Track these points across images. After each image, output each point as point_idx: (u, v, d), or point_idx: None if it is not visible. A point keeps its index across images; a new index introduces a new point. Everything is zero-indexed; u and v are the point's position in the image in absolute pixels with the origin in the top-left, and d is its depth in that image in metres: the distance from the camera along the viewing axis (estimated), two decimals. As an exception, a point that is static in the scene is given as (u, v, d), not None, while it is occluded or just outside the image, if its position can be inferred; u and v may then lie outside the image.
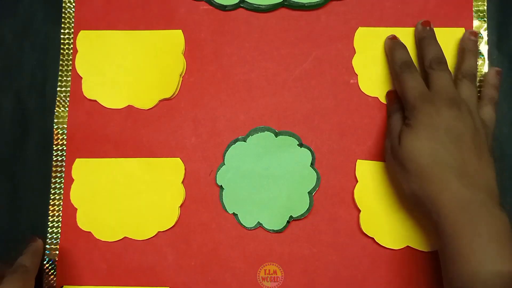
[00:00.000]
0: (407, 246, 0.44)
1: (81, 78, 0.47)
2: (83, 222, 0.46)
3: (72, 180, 0.46)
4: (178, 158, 0.46)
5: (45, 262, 0.46)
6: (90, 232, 0.46)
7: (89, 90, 0.47)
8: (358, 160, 0.45)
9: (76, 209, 0.46)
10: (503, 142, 0.46)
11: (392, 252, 0.44)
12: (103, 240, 0.46)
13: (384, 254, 0.44)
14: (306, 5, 0.47)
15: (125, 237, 0.45)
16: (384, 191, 0.45)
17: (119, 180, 0.46)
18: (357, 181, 0.45)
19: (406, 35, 0.46)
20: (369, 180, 0.45)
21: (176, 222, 0.45)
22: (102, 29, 0.47)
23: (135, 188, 0.46)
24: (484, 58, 0.46)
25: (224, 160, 0.46)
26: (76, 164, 0.46)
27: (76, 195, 0.46)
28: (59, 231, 0.46)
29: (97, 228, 0.46)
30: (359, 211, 0.45)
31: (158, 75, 0.46)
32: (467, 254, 0.34)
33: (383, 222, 0.44)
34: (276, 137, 0.46)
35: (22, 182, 0.47)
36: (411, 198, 0.39)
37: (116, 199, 0.46)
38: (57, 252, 0.46)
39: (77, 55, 0.47)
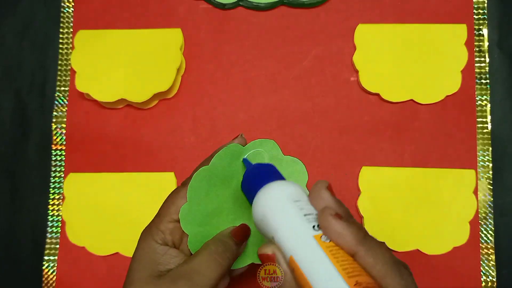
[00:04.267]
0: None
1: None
2: (75, 237, 0.45)
3: (64, 196, 0.46)
4: (172, 173, 0.46)
5: (44, 262, 0.46)
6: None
7: (81, 83, 0.46)
8: (362, 167, 0.45)
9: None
10: (504, 141, 0.46)
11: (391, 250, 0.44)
12: (96, 254, 0.45)
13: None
14: (305, 2, 0.47)
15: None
16: (387, 196, 0.44)
17: (111, 195, 0.45)
18: (359, 187, 0.45)
19: (407, 32, 0.46)
20: (372, 186, 0.45)
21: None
22: (101, 29, 0.47)
23: (127, 203, 0.45)
24: (485, 56, 0.46)
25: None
26: (68, 179, 0.46)
27: (67, 211, 0.46)
28: (59, 231, 0.46)
29: (90, 244, 0.45)
30: (362, 216, 0.44)
31: (154, 69, 0.46)
32: None
33: (388, 227, 0.44)
34: None
35: (22, 181, 0.47)
36: None
37: (108, 214, 0.45)
38: (57, 252, 0.46)
39: (74, 52, 0.47)
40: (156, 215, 0.34)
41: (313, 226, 0.26)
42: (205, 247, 0.32)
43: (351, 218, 0.27)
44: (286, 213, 0.27)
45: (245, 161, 0.34)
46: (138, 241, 0.33)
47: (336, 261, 0.24)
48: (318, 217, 0.26)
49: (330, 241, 0.25)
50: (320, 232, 0.25)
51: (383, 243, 0.26)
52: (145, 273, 0.31)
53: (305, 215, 0.26)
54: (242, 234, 0.34)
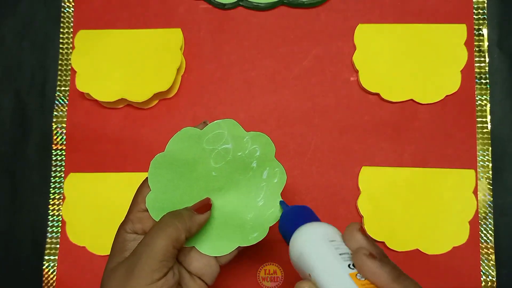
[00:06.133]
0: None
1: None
2: (75, 237, 0.45)
3: (65, 196, 0.46)
4: None
5: (44, 262, 0.46)
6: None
7: (82, 83, 0.46)
8: (362, 167, 0.45)
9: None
10: (503, 141, 0.46)
11: (393, 251, 0.44)
12: (97, 254, 0.45)
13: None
14: (305, 2, 0.47)
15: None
16: (387, 196, 0.44)
17: (111, 195, 0.45)
18: (359, 187, 0.45)
19: (407, 32, 0.46)
20: (372, 186, 0.45)
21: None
22: (101, 29, 0.47)
23: (127, 203, 0.45)
24: (485, 56, 0.46)
25: None
26: (68, 179, 0.46)
27: (67, 211, 0.46)
28: (59, 231, 0.46)
29: (91, 243, 0.45)
30: (362, 216, 0.44)
31: (154, 69, 0.46)
32: None
33: (388, 227, 0.44)
34: None
35: (22, 181, 0.47)
36: None
37: (108, 214, 0.45)
38: (57, 252, 0.46)
39: (74, 51, 0.47)
40: (129, 208, 0.35)
41: (348, 265, 0.27)
42: (156, 221, 0.33)
43: (385, 257, 0.28)
44: (322, 252, 0.28)
45: (281, 203, 0.35)
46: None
47: None
48: (352, 256, 0.27)
49: (365, 279, 0.26)
50: (355, 271, 0.27)
51: (418, 284, 0.27)
52: (114, 261, 0.32)
53: (340, 254, 0.28)
54: (199, 204, 0.34)
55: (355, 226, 0.29)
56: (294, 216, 0.33)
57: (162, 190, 0.34)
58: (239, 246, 0.35)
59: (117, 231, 0.34)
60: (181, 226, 0.32)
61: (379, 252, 0.28)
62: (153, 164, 0.34)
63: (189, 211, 0.33)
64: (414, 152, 0.45)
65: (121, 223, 0.34)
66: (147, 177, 0.35)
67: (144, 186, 0.35)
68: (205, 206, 0.35)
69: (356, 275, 0.26)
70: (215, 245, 0.35)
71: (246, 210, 0.36)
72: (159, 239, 0.31)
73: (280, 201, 0.35)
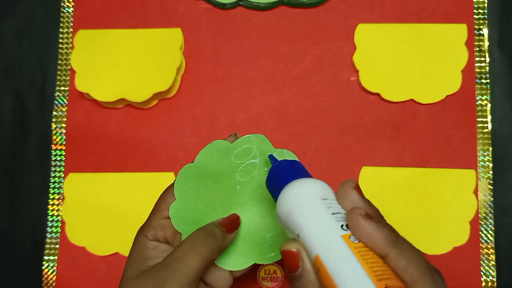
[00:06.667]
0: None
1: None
2: (75, 237, 0.45)
3: (64, 196, 0.46)
4: (172, 173, 0.46)
5: (44, 262, 0.46)
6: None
7: (81, 83, 0.46)
8: (362, 167, 0.45)
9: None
10: (504, 141, 0.46)
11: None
12: (96, 254, 0.45)
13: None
14: (305, 2, 0.47)
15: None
16: (387, 196, 0.44)
17: (111, 195, 0.45)
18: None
19: (407, 32, 0.46)
20: (372, 186, 0.44)
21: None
22: (101, 28, 0.47)
23: (127, 203, 0.45)
24: (485, 56, 0.46)
25: None
26: (67, 179, 0.46)
27: (67, 211, 0.46)
28: (59, 231, 0.46)
29: (90, 244, 0.45)
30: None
31: (154, 69, 0.46)
32: None
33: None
34: None
35: (22, 181, 0.47)
36: None
37: (108, 214, 0.45)
38: (57, 252, 0.46)
39: (73, 51, 0.47)
40: (150, 213, 0.34)
41: (341, 226, 0.24)
42: (189, 236, 0.32)
43: (381, 219, 0.25)
44: (313, 210, 0.25)
45: (270, 157, 0.33)
46: (134, 239, 0.34)
47: (365, 262, 0.23)
48: (347, 216, 0.25)
49: (359, 241, 0.24)
50: (348, 232, 0.24)
51: (416, 248, 0.24)
52: (135, 268, 0.31)
53: (333, 213, 0.25)
54: (229, 223, 0.34)
55: (350, 184, 0.26)
56: (283, 172, 0.30)
57: (186, 200, 0.34)
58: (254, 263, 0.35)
59: (136, 237, 0.33)
60: (217, 248, 0.31)
61: (376, 213, 0.25)
62: (180, 174, 0.34)
63: (220, 230, 0.32)
64: (414, 152, 0.45)
65: (141, 229, 0.33)
66: (170, 185, 0.35)
67: (167, 193, 0.34)
68: (233, 223, 0.34)
69: (350, 237, 0.24)
70: (233, 259, 0.34)
71: (266, 229, 0.35)
72: (195, 258, 0.30)
73: (269, 155, 0.33)
